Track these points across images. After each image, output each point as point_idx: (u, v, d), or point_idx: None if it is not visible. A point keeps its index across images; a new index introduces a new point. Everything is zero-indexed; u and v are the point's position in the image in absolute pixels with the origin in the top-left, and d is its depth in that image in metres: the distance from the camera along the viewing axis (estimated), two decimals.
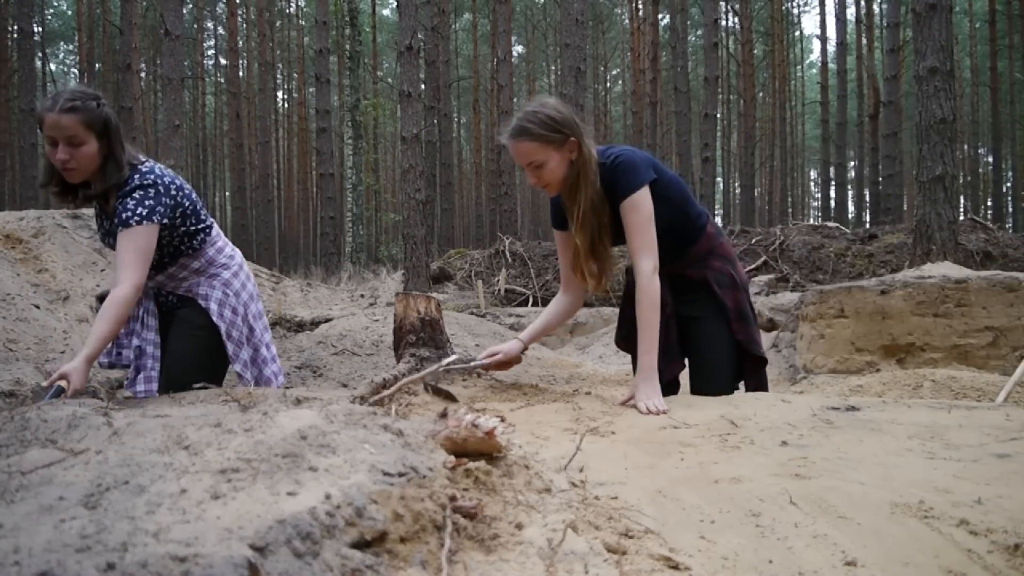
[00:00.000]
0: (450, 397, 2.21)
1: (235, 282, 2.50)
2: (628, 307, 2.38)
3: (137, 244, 2.14)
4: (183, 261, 2.40)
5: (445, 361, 2.31)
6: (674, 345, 2.35)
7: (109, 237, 2.33)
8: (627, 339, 2.40)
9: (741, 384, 2.40)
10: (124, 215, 2.15)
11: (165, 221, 2.25)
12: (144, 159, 2.32)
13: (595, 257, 2.21)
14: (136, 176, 2.22)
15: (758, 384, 2.36)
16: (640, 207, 2.10)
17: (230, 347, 2.42)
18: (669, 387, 2.36)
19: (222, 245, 2.53)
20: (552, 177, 2.13)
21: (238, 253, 2.63)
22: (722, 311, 2.28)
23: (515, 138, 2.11)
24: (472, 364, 2.37)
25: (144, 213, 2.16)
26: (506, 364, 2.40)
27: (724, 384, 2.29)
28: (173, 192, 2.28)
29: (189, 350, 2.41)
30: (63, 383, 1.96)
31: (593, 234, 2.17)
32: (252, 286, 2.58)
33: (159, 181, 2.24)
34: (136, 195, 2.18)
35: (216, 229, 2.54)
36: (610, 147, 2.20)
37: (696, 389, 2.33)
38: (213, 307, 2.41)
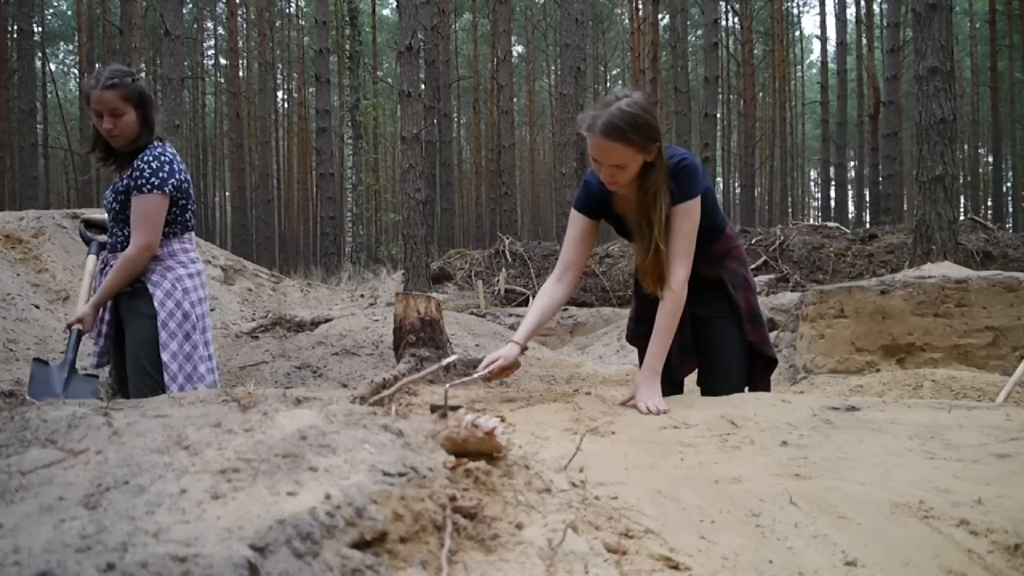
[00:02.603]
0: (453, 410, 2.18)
1: (188, 281, 2.64)
2: (645, 304, 2.34)
3: (146, 208, 2.46)
4: None
5: (444, 361, 2.30)
6: (689, 344, 2.32)
7: (115, 194, 2.56)
8: (645, 336, 2.36)
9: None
10: (139, 181, 2.45)
11: (171, 195, 2.53)
12: (164, 139, 2.61)
13: (664, 260, 2.15)
14: (157, 149, 2.52)
15: (766, 387, 2.35)
16: (692, 215, 2.08)
17: (162, 335, 2.55)
18: (677, 387, 2.35)
19: (190, 248, 2.70)
20: (627, 178, 2.06)
21: (201, 265, 2.79)
22: (735, 312, 2.27)
23: (608, 138, 1.98)
24: (473, 377, 2.26)
25: (156, 183, 2.47)
26: (508, 370, 2.31)
27: (735, 385, 2.27)
28: (181, 177, 2.58)
29: (143, 340, 2.57)
30: (78, 326, 2.41)
31: (667, 238, 2.12)
32: (204, 293, 2.74)
33: (174, 160, 2.56)
34: (153, 165, 2.48)
35: (193, 236, 2.74)
36: (669, 146, 2.15)
37: (706, 390, 2.32)
38: (158, 294, 2.57)
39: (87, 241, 2.75)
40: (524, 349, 2.28)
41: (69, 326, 2.43)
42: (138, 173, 2.46)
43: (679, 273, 2.08)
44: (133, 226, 2.46)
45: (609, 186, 2.10)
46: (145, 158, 2.48)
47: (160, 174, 2.47)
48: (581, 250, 2.30)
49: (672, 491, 1.22)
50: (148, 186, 2.45)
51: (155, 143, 2.54)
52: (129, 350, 2.58)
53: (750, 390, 2.33)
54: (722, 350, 2.30)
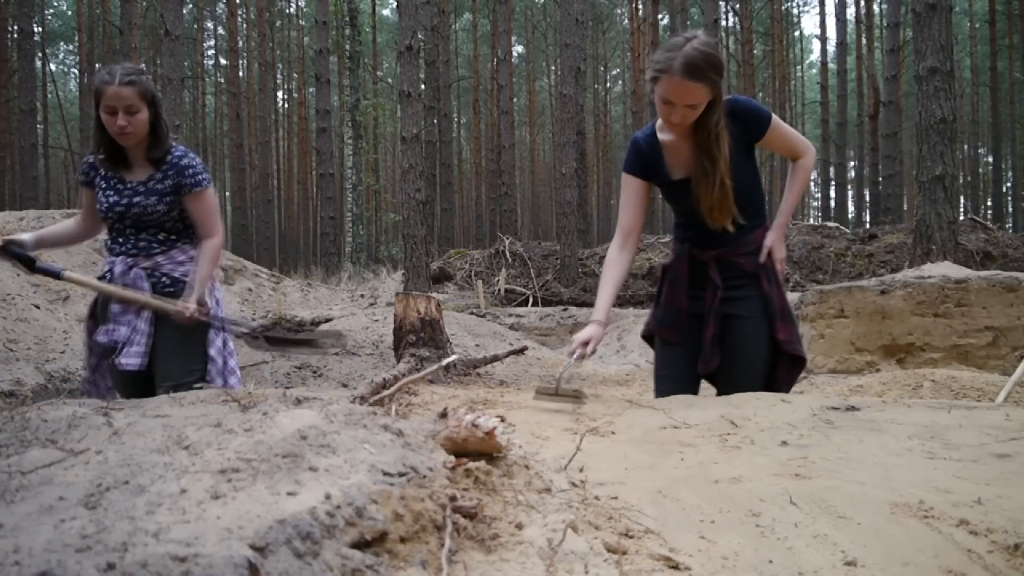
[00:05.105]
0: (579, 396, 2.12)
1: (216, 280, 2.76)
2: (680, 294, 2.29)
3: (213, 202, 2.60)
4: (184, 246, 2.62)
5: (444, 361, 2.30)
6: (719, 339, 2.25)
7: (159, 196, 2.56)
8: (672, 326, 2.30)
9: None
10: (197, 177, 2.55)
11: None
12: (175, 136, 2.68)
13: (731, 194, 2.18)
14: (183, 148, 2.60)
15: (787, 389, 2.28)
16: (782, 124, 2.21)
17: (210, 332, 2.62)
18: (697, 382, 2.31)
19: None
20: (694, 117, 2.07)
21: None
22: (767, 308, 2.21)
23: (689, 77, 1.96)
24: (569, 362, 2.20)
25: (208, 177, 2.60)
26: (594, 349, 2.27)
27: (756, 387, 2.21)
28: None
29: (182, 337, 2.57)
30: (197, 312, 2.47)
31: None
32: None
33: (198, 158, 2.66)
34: (196, 162, 2.57)
35: None
36: None
37: (725, 390, 2.22)
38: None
39: (54, 274, 2.50)
40: (605, 325, 2.26)
41: (191, 315, 2.47)
42: (190, 172, 2.54)
43: (811, 148, 2.29)
44: (206, 220, 2.56)
45: (675, 128, 2.11)
46: (185, 158, 2.55)
47: (204, 169, 2.59)
48: (639, 213, 2.30)
49: (672, 491, 1.22)
50: (206, 181, 2.56)
51: (176, 144, 2.60)
52: (165, 346, 2.57)
53: (776, 391, 2.23)
54: (748, 352, 2.23)
